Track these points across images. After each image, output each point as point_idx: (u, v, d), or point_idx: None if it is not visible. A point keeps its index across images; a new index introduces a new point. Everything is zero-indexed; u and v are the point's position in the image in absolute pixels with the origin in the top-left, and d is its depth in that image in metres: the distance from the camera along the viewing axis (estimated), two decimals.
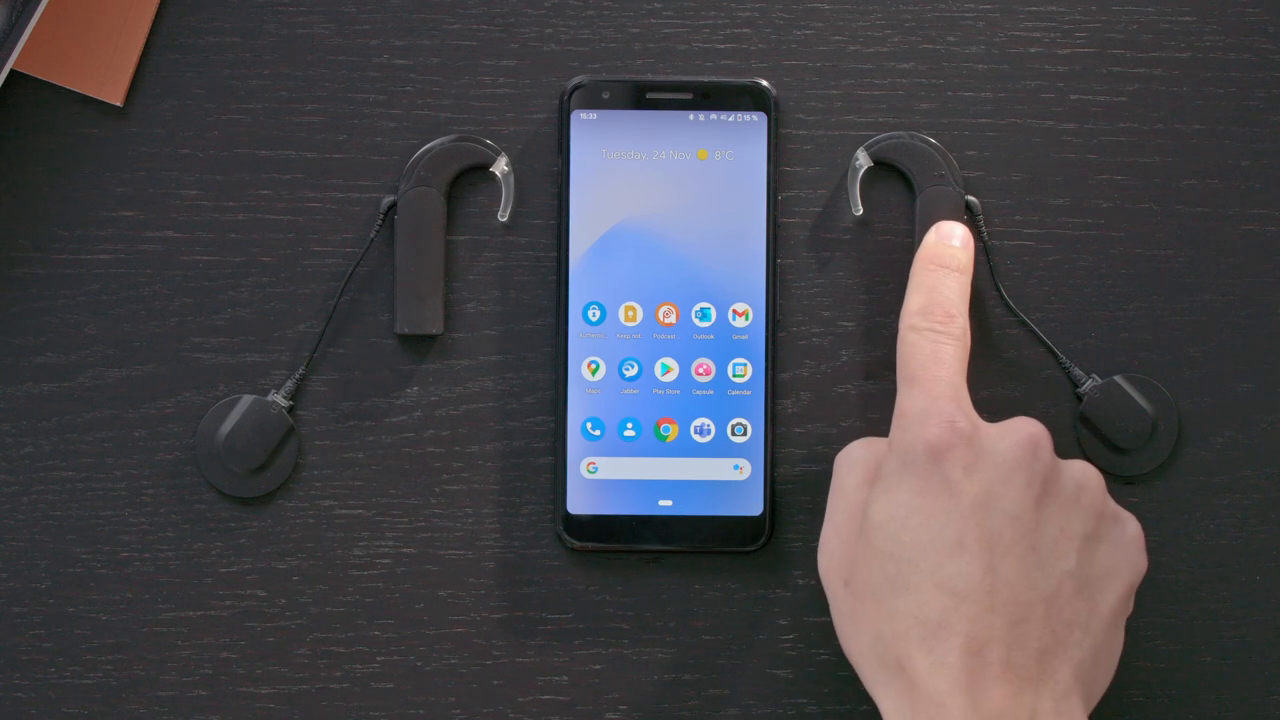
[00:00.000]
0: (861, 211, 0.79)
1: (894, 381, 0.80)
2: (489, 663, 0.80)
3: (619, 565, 0.80)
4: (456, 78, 0.79)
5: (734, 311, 0.79)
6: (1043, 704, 0.70)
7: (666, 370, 0.79)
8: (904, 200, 0.80)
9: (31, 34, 0.78)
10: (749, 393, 0.79)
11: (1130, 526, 0.74)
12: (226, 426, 0.79)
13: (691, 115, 0.79)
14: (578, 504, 0.79)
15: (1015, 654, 0.70)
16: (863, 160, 0.79)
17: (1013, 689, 0.70)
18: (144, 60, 0.79)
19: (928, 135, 0.79)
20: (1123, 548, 0.73)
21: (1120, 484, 0.80)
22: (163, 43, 0.79)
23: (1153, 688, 0.80)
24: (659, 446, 0.79)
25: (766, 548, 0.79)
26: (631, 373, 0.79)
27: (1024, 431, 0.72)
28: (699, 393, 0.79)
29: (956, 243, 0.77)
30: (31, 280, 0.79)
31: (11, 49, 0.76)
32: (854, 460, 0.75)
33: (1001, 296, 0.80)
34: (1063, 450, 0.80)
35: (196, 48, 0.79)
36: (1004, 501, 0.71)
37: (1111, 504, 0.74)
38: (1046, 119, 0.80)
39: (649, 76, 0.79)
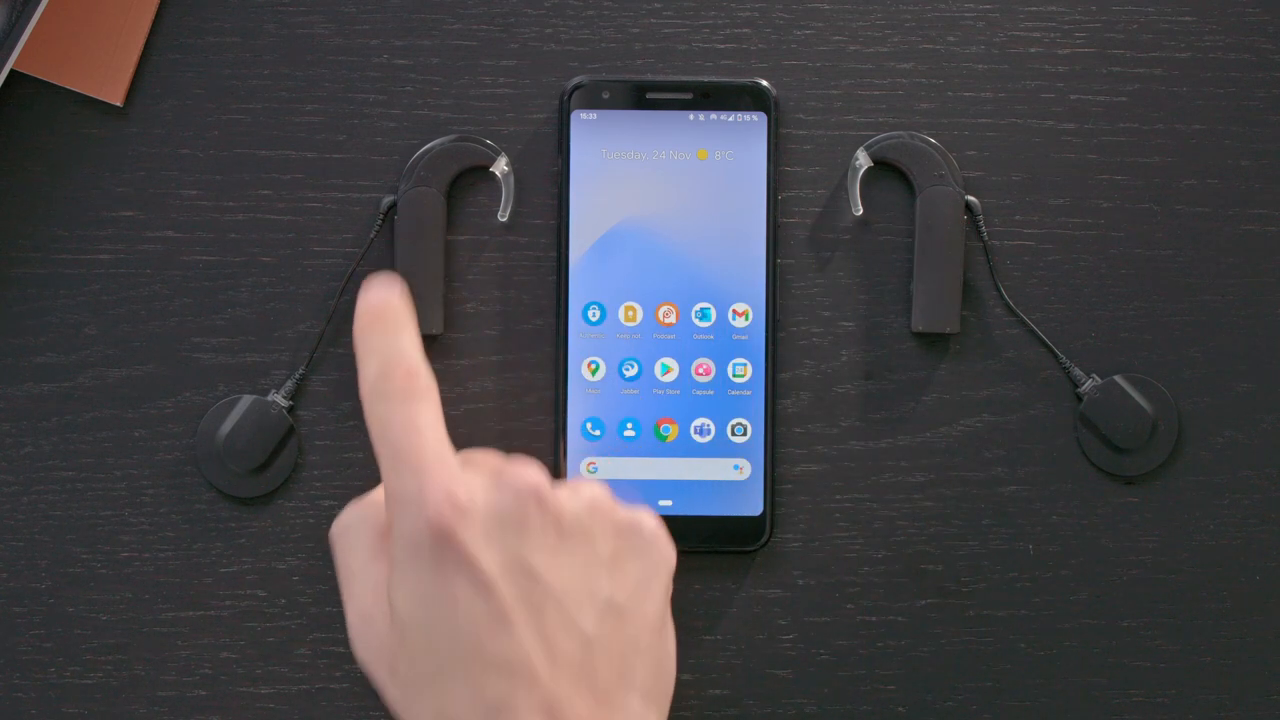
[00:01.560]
0: (861, 211, 0.79)
1: (894, 381, 0.80)
2: None
3: None
4: (456, 78, 0.79)
5: (734, 311, 0.79)
6: None
7: (666, 370, 0.79)
8: (904, 200, 0.80)
9: (31, 34, 0.78)
10: (749, 393, 0.79)
11: (647, 525, 0.71)
12: (226, 426, 0.79)
13: (691, 115, 0.79)
14: None
15: (582, 706, 0.68)
16: (863, 160, 0.79)
17: None
18: (144, 60, 0.79)
19: (928, 135, 0.79)
20: (648, 551, 0.71)
21: (1120, 484, 0.80)
22: (163, 43, 0.79)
23: (1153, 688, 0.80)
24: (659, 446, 0.79)
25: (766, 548, 0.79)
26: (631, 373, 0.79)
27: (521, 481, 0.69)
28: (699, 393, 0.79)
29: (393, 294, 0.71)
30: (31, 280, 0.79)
31: (11, 49, 0.76)
32: (353, 533, 0.71)
33: (1001, 296, 0.80)
34: (1063, 449, 0.80)
35: (196, 48, 0.79)
36: (524, 559, 0.68)
37: (623, 512, 0.71)
38: (1046, 119, 0.80)
39: (649, 76, 0.79)
